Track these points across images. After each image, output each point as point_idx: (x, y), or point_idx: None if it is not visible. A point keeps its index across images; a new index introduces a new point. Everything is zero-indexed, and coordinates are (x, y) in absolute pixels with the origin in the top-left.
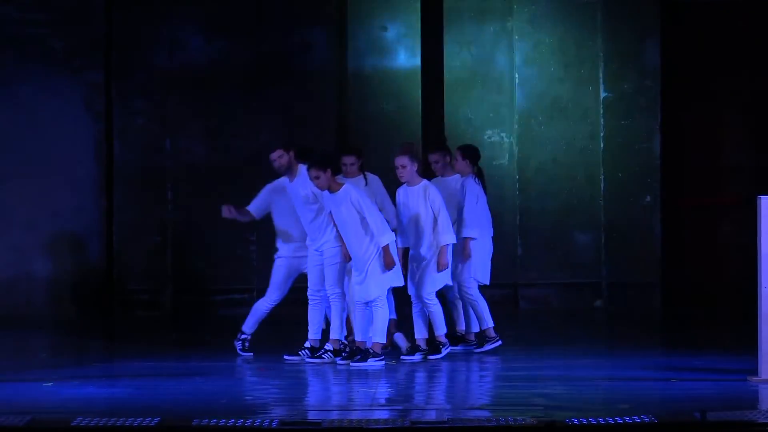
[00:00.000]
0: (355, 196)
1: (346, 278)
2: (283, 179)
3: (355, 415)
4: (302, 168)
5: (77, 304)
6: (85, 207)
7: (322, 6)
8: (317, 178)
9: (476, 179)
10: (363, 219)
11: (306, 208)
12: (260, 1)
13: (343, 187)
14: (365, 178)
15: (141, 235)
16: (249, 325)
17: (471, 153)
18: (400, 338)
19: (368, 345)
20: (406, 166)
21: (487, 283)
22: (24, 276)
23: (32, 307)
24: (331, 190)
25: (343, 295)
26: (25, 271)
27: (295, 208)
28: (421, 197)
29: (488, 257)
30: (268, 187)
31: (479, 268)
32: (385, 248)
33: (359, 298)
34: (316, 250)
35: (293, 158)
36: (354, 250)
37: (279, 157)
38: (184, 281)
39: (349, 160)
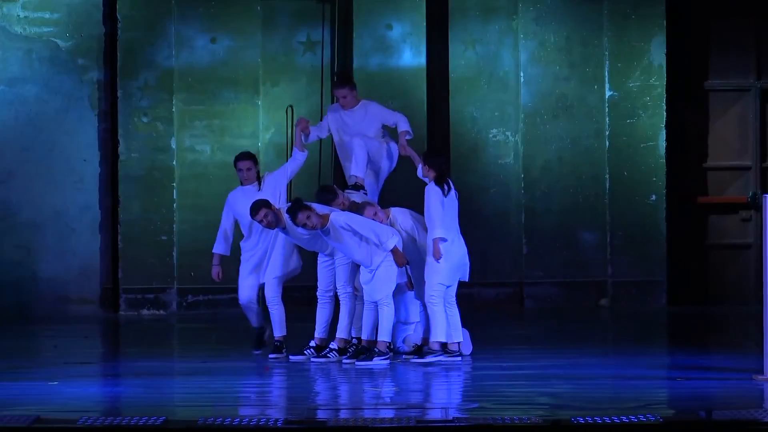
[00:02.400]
0: (342, 219)
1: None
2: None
3: (360, 414)
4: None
5: (82, 303)
6: (90, 206)
7: (327, 5)
8: (309, 218)
9: (436, 185)
10: (360, 234)
11: (315, 240)
12: (264, 2)
13: (330, 218)
14: (259, 184)
15: (146, 234)
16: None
17: (431, 160)
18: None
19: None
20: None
21: (448, 284)
22: (29, 275)
23: (38, 306)
24: (322, 226)
25: (354, 294)
26: (31, 270)
27: (305, 246)
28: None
29: (455, 261)
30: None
31: (448, 271)
32: (394, 249)
33: (367, 297)
34: (327, 256)
35: (278, 212)
36: (365, 261)
37: (265, 216)
38: (189, 280)
39: (245, 165)
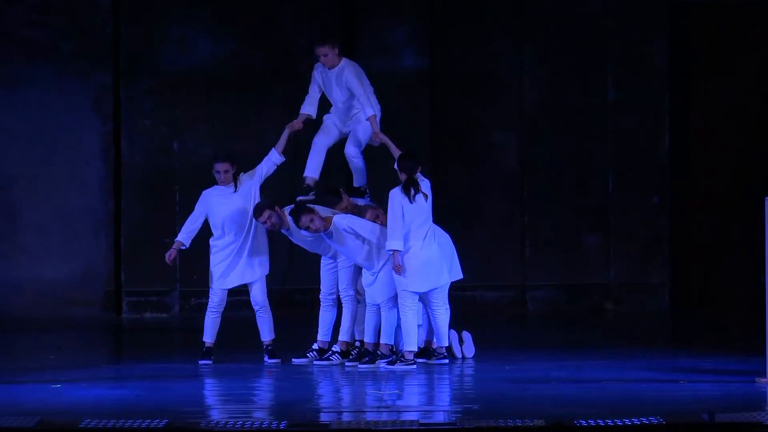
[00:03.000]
0: (345, 222)
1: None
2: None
3: (362, 417)
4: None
5: (86, 305)
6: (93, 208)
7: (330, 7)
8: (312, 221)
9: (402, 191)
10: (363, 237)
11: (318, 242)
12: (268, 3)
13: (333, 221)
14: (235, 185)
15: (149, 236)
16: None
17: (403, 163)
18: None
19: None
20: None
21: (420, 290)
22: (33, 278)
23: (41, 308)
24: (325, 229)
25: (356, 297)
26: (34, 272)
27: (308, 248)
28: None
29: (417, 266)
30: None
31: (410, 278)
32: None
33: (369, 300)
34: (331, 259)
35: (282, 213)
36: (367, 264)
37: (268, 218)
38: (192, 283)
39: (222, 167)
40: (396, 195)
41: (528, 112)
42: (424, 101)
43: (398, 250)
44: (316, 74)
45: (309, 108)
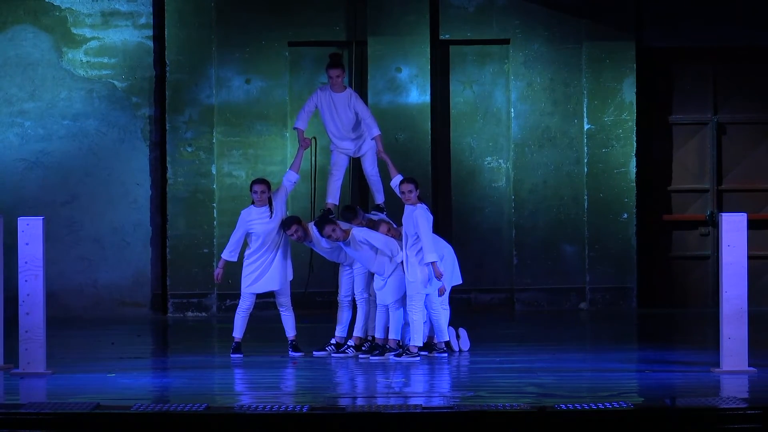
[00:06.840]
0: (362, 234)
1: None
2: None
3: (374, 402)
4: (314, 228)
5: (136, 306)
6: (143, 223)
7: (345, 50)
8: (334, 231)
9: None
10: (376, 248)
11: (336, 252)
12: (291, 48)
13: (351, 232)
14: (271, 207)
15: (190, 247)
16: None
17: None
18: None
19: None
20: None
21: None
22: (91, 282)
23: (98, 309)
24: (344, 239)
25: (369, 299)
26: (92, 278)
27: (327, 257)
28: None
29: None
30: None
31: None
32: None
33: (379, 301)
34: (347, 266)
35: (306, 227)
36: (379, 270)
37: (295, 231)
38: (227, 287)
39: (260, 188)
40: (427, 212)
41: (515, 140)
42: (426, 131)
43: (435, 261)
44: (319, 94)
45: (301, 123)
